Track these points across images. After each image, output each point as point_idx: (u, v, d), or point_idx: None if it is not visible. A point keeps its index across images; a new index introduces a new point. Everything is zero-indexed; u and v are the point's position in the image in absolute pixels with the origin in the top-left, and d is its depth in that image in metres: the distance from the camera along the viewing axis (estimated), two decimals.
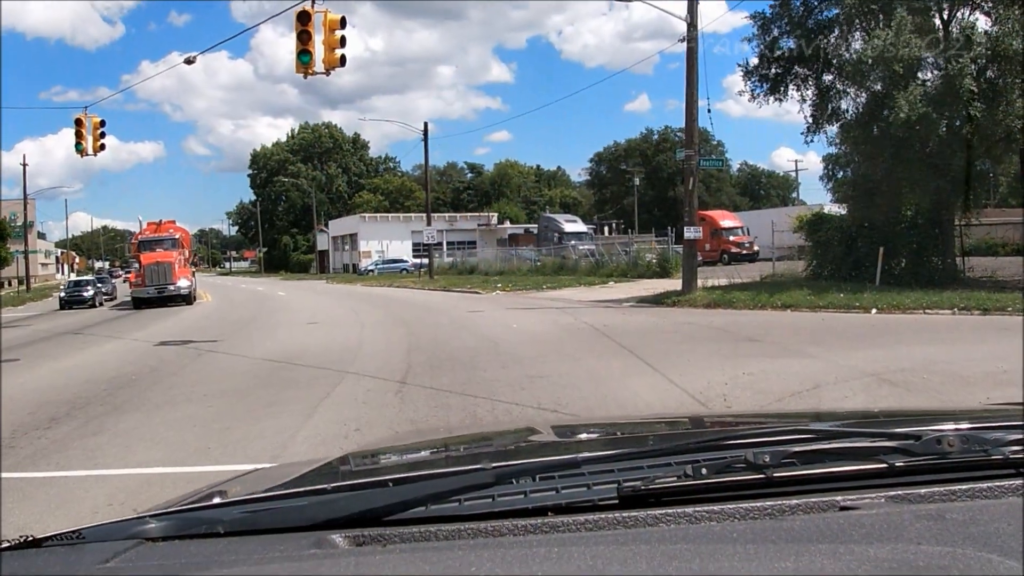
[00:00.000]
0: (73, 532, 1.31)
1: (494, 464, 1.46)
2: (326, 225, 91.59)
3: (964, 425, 1.63)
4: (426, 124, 44.90)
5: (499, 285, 33.80)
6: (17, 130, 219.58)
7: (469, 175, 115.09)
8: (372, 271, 66.83)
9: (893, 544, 1.09)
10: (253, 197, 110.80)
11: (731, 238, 52.12)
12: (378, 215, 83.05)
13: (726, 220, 55.75)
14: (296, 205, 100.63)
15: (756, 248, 50.13)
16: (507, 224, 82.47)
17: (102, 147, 23.58)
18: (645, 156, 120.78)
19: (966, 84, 19.11)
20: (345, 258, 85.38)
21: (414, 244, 79.92)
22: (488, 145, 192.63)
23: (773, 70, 23.55)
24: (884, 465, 1.41)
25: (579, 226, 56.96)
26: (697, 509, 1.26)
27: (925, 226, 22.73)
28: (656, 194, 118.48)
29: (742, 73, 23.61)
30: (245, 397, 9.33)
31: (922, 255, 22.59)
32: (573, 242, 52.31)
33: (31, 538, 1.30)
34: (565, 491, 1.37)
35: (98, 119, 23.37)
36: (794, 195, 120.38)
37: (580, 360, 11.26)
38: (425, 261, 69.35)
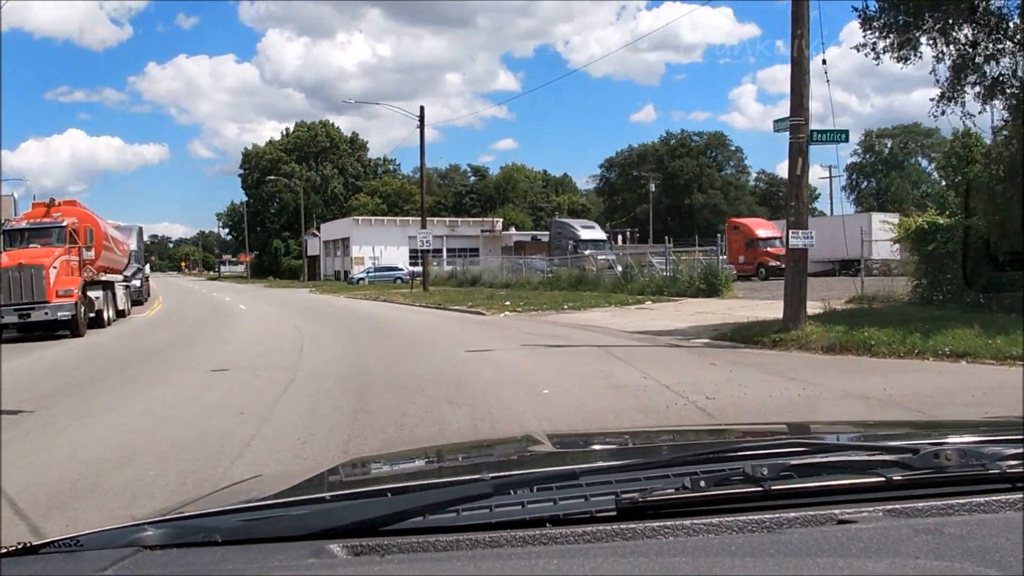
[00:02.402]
0: (71, 539, 1.30)
1: (492, 475, 1.45)
2: (318, 229, 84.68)
3: (962, 439, 1.62)
4: (422, 108, 38.11)
5: (507, 303, 26.85)
6: (22, 130, 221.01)
7: (472, 179, 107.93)
8: (363, 279, 59.85)
9: (891, 559, 1.09)
10: (246, 198, 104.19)
11: (768, 249, 45.35)
12: (372, 218, 75.98)
13: (762, 229, 48.96)
14: (289, 207, 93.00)
15: None
16: (513, 231, 75.35)
17: None
18: (661, 162, 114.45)
19: None
20: (337, 264, 78.48)
21: (411, 251, 72.83)
22: (493, 152, 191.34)
23: (902, 17, 16.70)
24: (882, 479, 1.40)
25: (597, 233, 49.93)
26: (695, 522, 1.26)
27: None
28: (671, 202, 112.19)
29: (860, 20, 16.72)
30: None
31: None
32: (590, 251, 45.64)
33: (28, 544, 1.29)
34: (563, 502, 1.36)
35: None
36: (814, 206, 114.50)
37: None
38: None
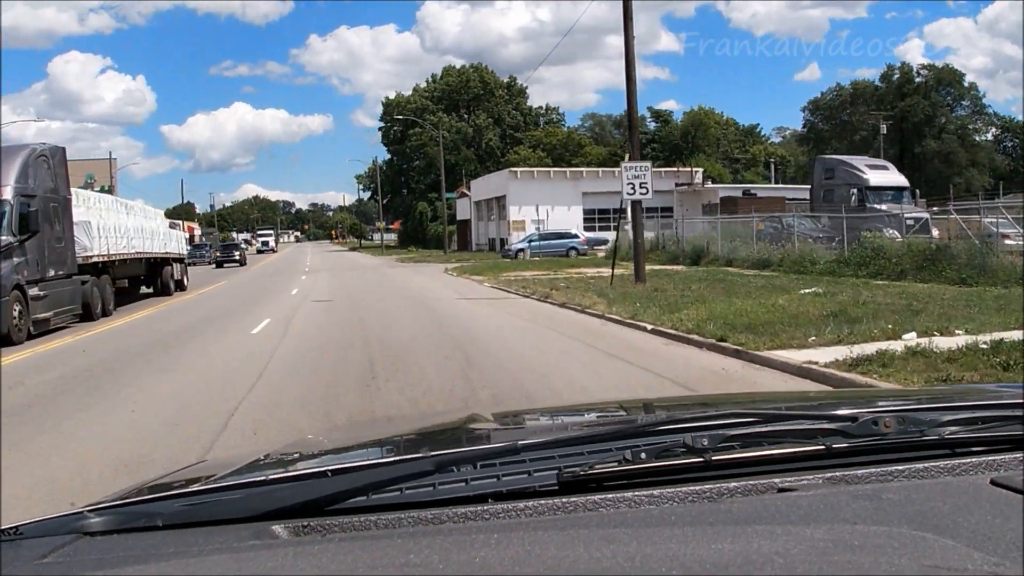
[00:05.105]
0: (11, 528, 1.29)
1: (434, 452, 1.46)
2: (469, 188, 69.44)
3: (900, 406, 1.62)
4: None
5: (900, 330, 9.97)
6: (189, 104, 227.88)
7: (653, 125, 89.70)
8: (523, 251, 43.90)
9: (830, 524, 1.10)
10: (388, 156, 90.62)
11: None
12: (535, 171, 59.53)
13: None
14: (436, 163, 78.23)
15: None
16: (710, 183, 57.40)
17: None
18: (880, 102, 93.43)
19: None
20: (491, 230, 62.97)
21: (585, 211, 56.23)
22: None
23: None
24: (822, 447, 1.41)
25: (893, 176, 31.00)
26: (636, 493, 1.27)
27: None
28: (896, 152, 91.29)
29: None
30: None
31: None
32: (886, 205, 27.92)
33: None
34: (505, 478, 1.36)
35: None
36: None
37: None
38: (603, 236, 46.15)
